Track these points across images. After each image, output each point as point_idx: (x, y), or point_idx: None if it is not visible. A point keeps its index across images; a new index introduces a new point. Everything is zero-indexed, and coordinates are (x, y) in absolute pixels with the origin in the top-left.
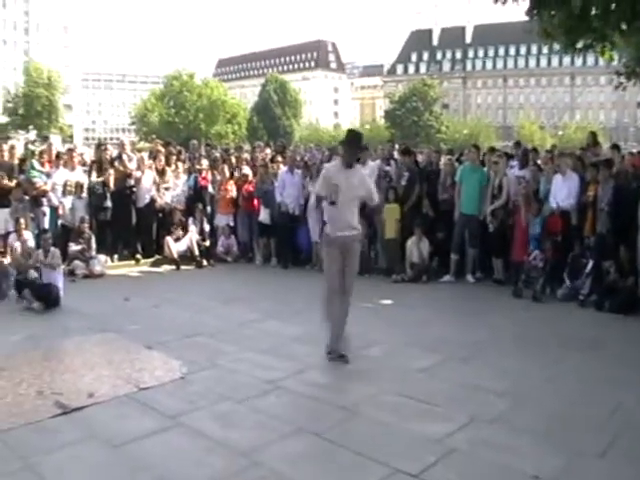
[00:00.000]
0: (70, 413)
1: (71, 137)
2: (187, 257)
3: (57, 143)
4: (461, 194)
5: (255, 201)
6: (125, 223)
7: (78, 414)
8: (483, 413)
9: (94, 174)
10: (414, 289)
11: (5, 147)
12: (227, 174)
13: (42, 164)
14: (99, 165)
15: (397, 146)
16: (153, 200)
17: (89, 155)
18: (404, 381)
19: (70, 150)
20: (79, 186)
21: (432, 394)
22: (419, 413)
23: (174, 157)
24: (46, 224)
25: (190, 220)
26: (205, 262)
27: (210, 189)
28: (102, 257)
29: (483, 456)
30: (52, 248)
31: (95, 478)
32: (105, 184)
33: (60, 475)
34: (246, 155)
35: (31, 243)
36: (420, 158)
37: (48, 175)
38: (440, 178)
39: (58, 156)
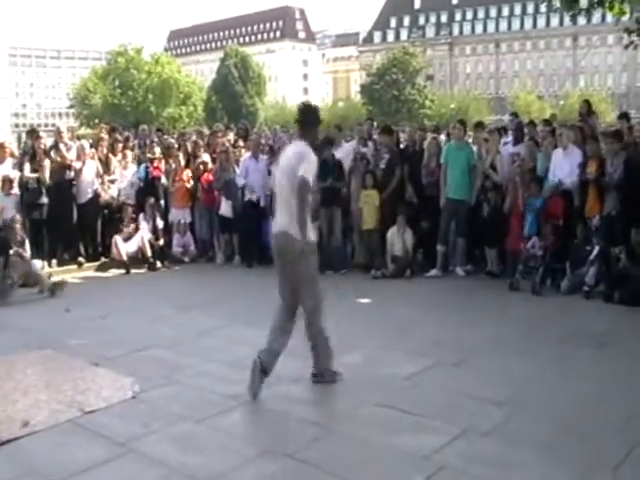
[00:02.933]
0: (1, 446)
1: None
2: (138, 259)
3: None
4: (447, 177)
5: (215, 193)
6: (65, 222)
7: (10, 447)
8: (477, 424)
9: (26, 166)
10: (397, 285)
11: None
12: (183, 163)
13: None
14: (32, 156)
15: (375, 125)
16: (97, 195)
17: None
18: (386, 390)
19: None
20: (8, 181)
21: (418, 404)
22: (403, 426)
23: (120, 144)
24: None
25: (141, 216)
26: (159, 264)
27: (163, 180)
28: (38, 262)
29: (477, 473)
30: None
31: None
32: (39, 178)
33: None
34: (204, 140)
35: None
36: (402, 137)
37: None
38: (424, 159)
39: None
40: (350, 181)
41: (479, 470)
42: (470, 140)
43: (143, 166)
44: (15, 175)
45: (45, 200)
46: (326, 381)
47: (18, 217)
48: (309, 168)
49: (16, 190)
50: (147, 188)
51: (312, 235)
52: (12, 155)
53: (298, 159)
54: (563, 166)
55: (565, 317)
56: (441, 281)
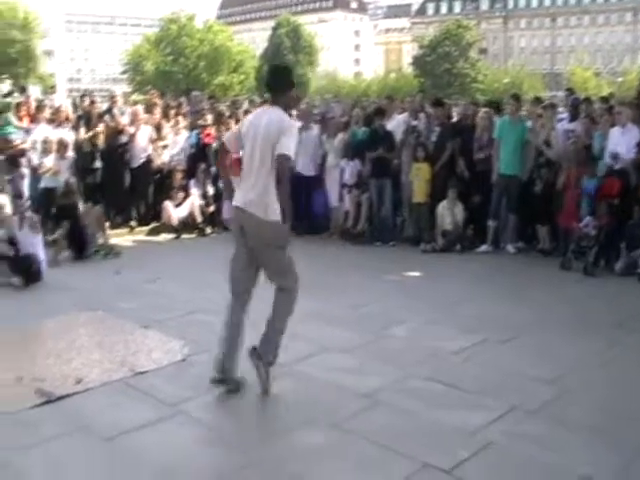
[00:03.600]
0: (55, 402)
1: (53, 88)
2: (188, 224)
3: (37, 95)
4: (500, 152)
5: None
6: (117, 186)
7: (64, 403)
8: (525, 403)
9: (81, 130)
10: (446, 260)
11: None
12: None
13: (20, 119)
14: (86, 120)
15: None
16: (149, 160)
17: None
18: (435, 365)
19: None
20: (63, 144)
21: (467, 380)
22: (451, 401)
23: (173, 111)
24: (25, 188)
25: (192, 182)
26: (209, 230)
27: (215, 147)
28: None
29: (523, 452)
30: (30, 214)
31: (85, 476)
32: (93, 142)
33: (45, 473)
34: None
35: (8, 209)
36: (455, 111)
37: (27, 131)
38: (476, 134)
39: (39, 109)
40: (401, 153)
41: (525, 449)
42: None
43: (195, 132)
44: (70, 139)
45: (99, 164)
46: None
47: (72, 180)
48: (290, 142)
49: (71, 153)
50: (198, 154)
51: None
52: (67, 119)
53: (277, 130)
54: (620, 144)
55: (618, 299)
56: (491, 257)
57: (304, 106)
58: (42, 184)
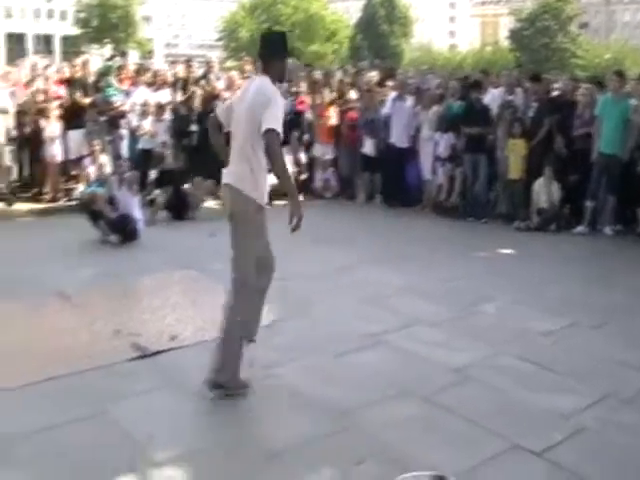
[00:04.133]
0: (150, 357)
1: (150, 53)
2: (280, 191)
3: (135, 59)
4: (601, 130)
5: (359, 131)
6: (213, 150)
7: (158, 358)
8: (619, 390)
9: (178, 94)
10: (540, 239)
11: (78, 62)
12: (328, 99)
13: (120, 81)
14: (183, 84)
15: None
16: None
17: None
18: (525, 345)
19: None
20: (160, 107)
21: (556, 362)
22: (542, 382)
23: None
24: (124, 149)
25: (285, 149)
26: (300, 197)
27: (308, 115)
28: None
29: (617, 440)
30: (128, 175)
31: (176, 428)
32: (190, 106)
33: (137, 424)
34: (349, 78)
35: (108, 169)
36: (554, 87)
37: (127, 94)
38: (576, 110)
39: (138, 73)
40: (496, 128)
41: (621, 437)
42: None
43: (289, 100)
44: (167, 102)
45: (195, 128)
46: (230, 394)
47: (168, 142)
48: (276, 113)
49: (168, 116)
50: (292, 122)
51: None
52: (165, 83)
53: (263, 102)
54: None
55: None
56: (587, 239)
57: (399, 77)
58: (140, 145)
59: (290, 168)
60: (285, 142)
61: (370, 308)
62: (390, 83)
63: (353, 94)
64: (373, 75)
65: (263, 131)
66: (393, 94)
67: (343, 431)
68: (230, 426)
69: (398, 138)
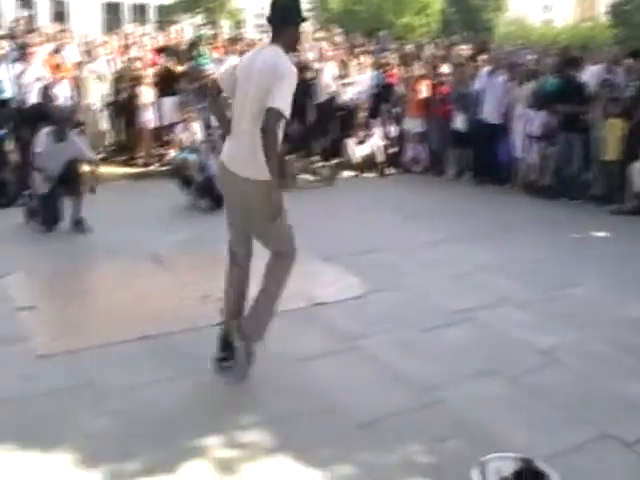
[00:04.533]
0: None
1: (239, 23)
2: (368, 164)
3: (226, 29)
4: None
5: (450, 105)
6: (301, 120)
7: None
8: None
9: None
10: (635, 223)
11: (172, 31)
12: (419, 72)
13: (213, 50)
14: None
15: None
16: (333, 96)
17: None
18: (614, 331)
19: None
20: None
21: None
22: (633, 371)
23: (358, 49)
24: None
25: (374, 122)
26: (389, 171)
27: (399, 88)
28: None
29: None
30: (219, 143)
31: (264, 393)
32: None
33: (225, 388)
34: (441, 52)
35: (199, 137)
36: None
37: (219, 62)
38: None
39: (231, 42)
40: (593, 107)
41: None
42: None
43: (379, 72)
44: None
45: None
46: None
47: None
48: (284, 93)
49: None
50: (382, 94)
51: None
52: None
53: (271, 76)
54: None
55: None
56: None
57: (493, 52)
58: None
59: (379, 141)
60: (373, 115)
61: (458, 285)
62: (483, 57)
63: (445, 68)
64: (465, 49)
65: (266, 108)
66: (486, 69)
67: (429, 406)
68: (317, 395)
69: (490, 114)
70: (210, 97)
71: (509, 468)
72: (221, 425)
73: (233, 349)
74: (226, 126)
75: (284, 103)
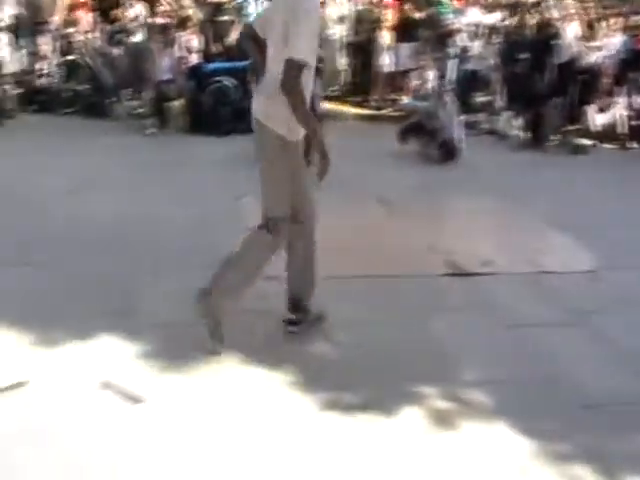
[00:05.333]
0: (462, 276)
1: None
2: (609, 134)
3: None
4: None
5: None
6: (536, 79)
7: (470, 280)
8: None
9: (507, 18)
10: None
11: None
12: None
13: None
14: (513, 9)
15: None
16: (575, 58)
17: None
18: None
19: None
20: (493, 30)
21: None
22: None
23: (608, 10)
24: (450, 69)
25: (619, 90)
26: (631, 144)
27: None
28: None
29: None
30: (448, 96)
31: (485, 352)
32: (521, 32)
33: (448, 339)
34: None
35: (430, 85)
36: None
37: (461, 13)
38: None
39: None
40: None
41: None
42: None
43: (629, 37)
44: (499, 26)
45: (524, 55)
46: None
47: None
48: (299, 36)
49: (498, 39)
50: (630, 61)
51: (296, 131)
52: (499, 6)
53: (290, 15)
54: None
55: None
56: None
57: None
58: (468, 66)
59: (623, 111)
60: (618, 83)
61: None
62: None
63: None
64: None
65: (284, 59)
66: None
67: None
68: (540, 365)
69: None
70: (246, 43)
71: None
72: (442, 378)
73: (306, 312)
74: (261, 73)
75: (300, 50)
